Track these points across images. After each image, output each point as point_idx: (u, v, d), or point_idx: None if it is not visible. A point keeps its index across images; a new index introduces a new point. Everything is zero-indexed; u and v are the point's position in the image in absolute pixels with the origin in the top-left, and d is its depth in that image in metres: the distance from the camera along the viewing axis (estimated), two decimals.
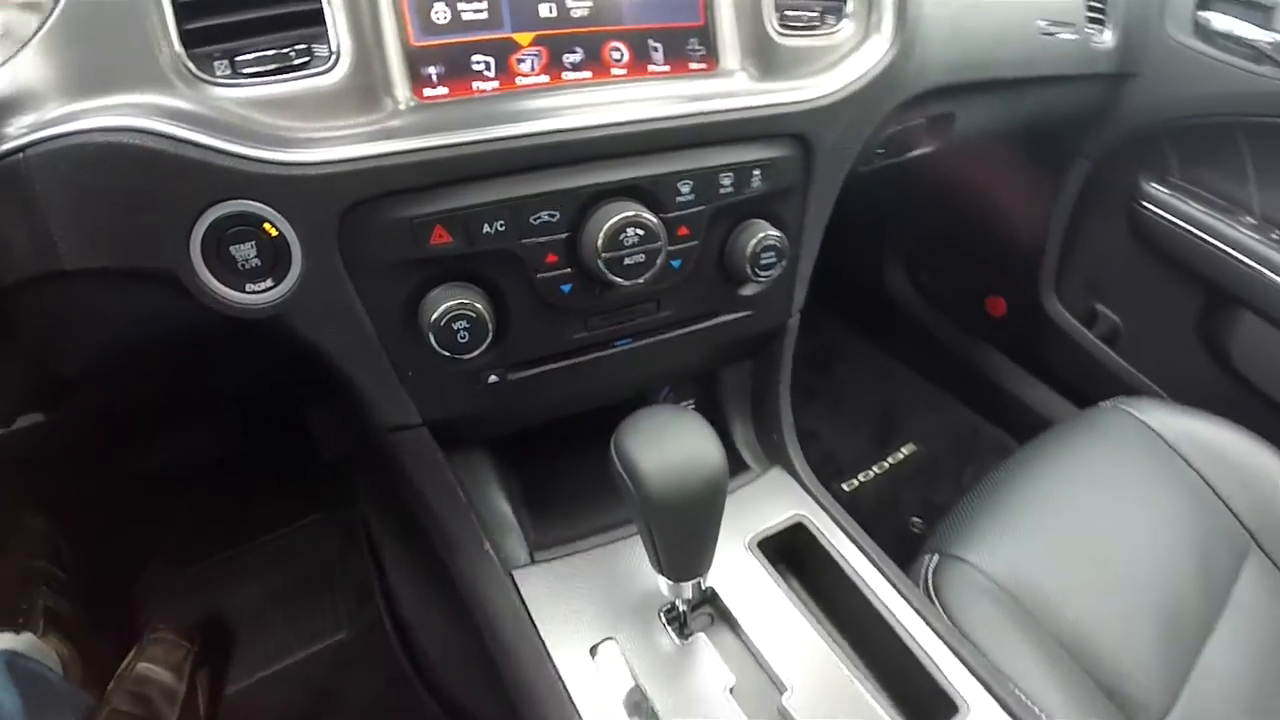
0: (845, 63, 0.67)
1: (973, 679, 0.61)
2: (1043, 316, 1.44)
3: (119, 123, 0.45)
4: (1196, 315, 1.26)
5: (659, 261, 0.57)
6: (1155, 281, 1.29)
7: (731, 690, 0.57)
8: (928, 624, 0.64)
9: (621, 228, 0.54)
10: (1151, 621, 0.83)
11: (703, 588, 0.56)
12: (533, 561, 0.66)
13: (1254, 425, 1.06)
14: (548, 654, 0.59)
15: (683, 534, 0.51)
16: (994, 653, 0.70)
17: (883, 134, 0.80)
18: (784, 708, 0.57)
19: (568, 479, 0.76)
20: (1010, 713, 0.60)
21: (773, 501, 0.71)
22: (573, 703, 0.56)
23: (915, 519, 1.35)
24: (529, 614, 0.62)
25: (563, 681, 0.57)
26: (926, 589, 0.77)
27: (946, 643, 0.63)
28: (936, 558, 0.81)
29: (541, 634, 0.60)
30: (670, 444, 0.48)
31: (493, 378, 0.60)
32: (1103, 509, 0.93)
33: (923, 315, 1.62)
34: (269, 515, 1.25)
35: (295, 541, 1.24)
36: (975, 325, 1.57)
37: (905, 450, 1.46)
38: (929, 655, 0.61)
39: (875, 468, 1.42)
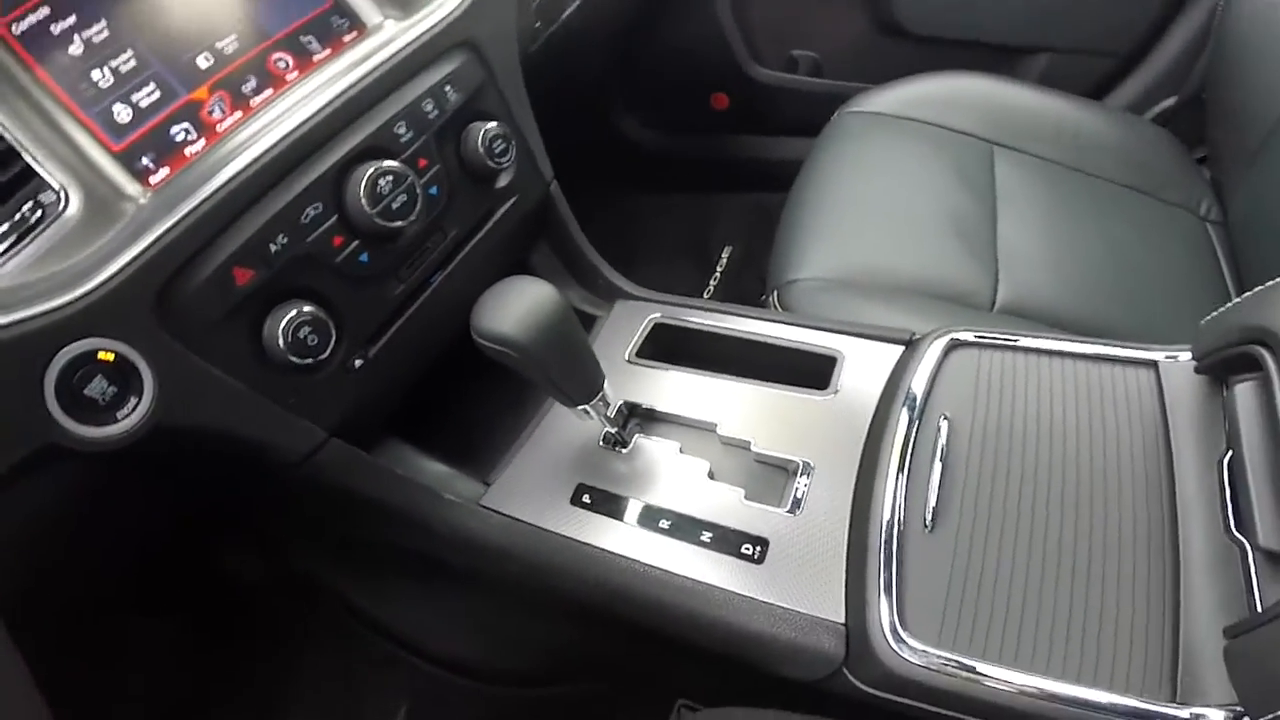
0: None
1: (843, 336, 0.76)
2: (755, 86, 1.60)
3: None
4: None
5: (419, 194, 0.66)
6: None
7: (710, 474, 0.68)
8: (792, 325, 0.78)
9: (374, 180, 0.62)
10: (953, 239, 1.01)
11: (609, 399, 0.66)
12: (488, 485, 0.75)
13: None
14: (560, 535, 0.67)
15: (565, 358, 0.60)
16: (851, 316, 0.85)
17: (530, 6, 0.91)
18: (757, 453, 0.69)
19: (475, 410, 0.85)
20: (884, 339, 0.74)
21: (628, 323, 0.82)
22: (615, 553, 0.65)
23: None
24: (517, 519, 0.69)
25: (589, 544, 0.65)
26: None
27: (810, 327, 0.77)
28: (775, 291, 0.96)
29: (540, 524, 0.68)
30: (511, 300, 0.58)
31: (357, 361, 0.68)
32: (874, 187, 1.09)
33: (665, 143, 1.75)
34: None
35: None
36: (710, 127, 1.71)
37: (725, 253, 1.62)
38: (803, 340, 0.76)
39: (713, 280, 1.58)
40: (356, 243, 0.65)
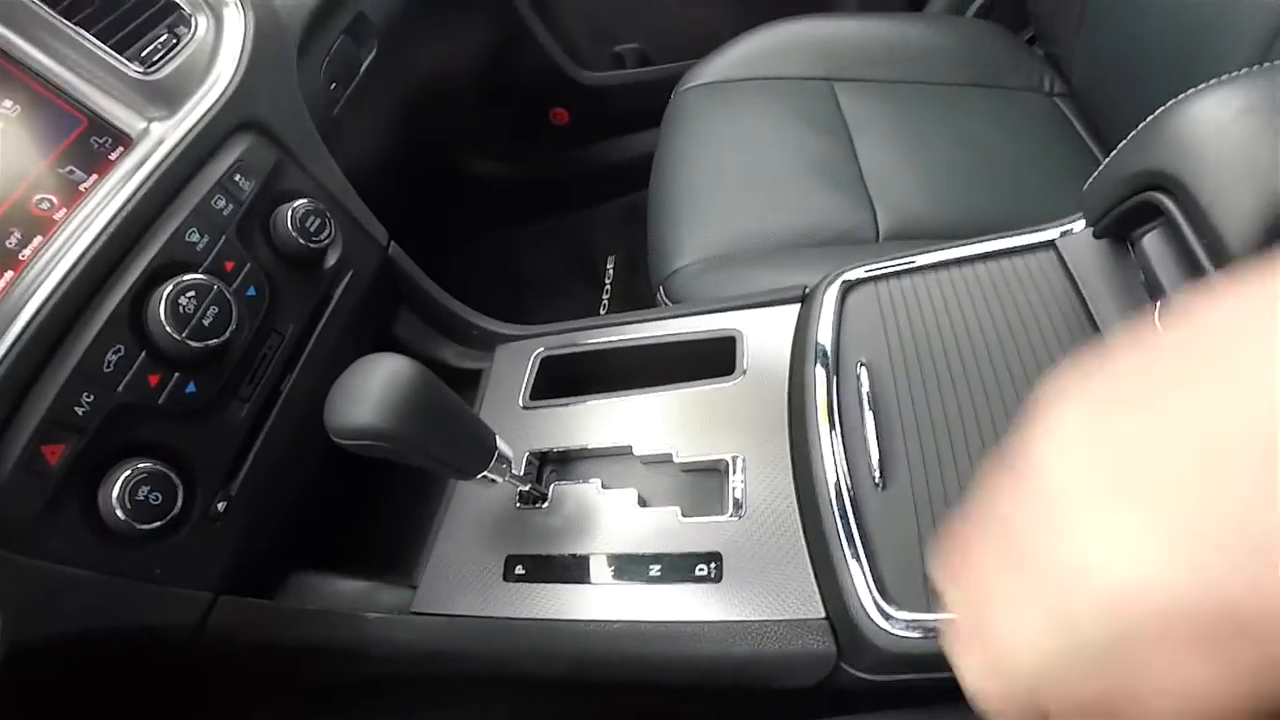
0: (224, 51, 0.69)
1: (736, 312, 0.71)
2: (589, 92, 1.56)
3: None
4: None
5: (231, 302, 0.58)
6: None
7: (640, 501, 0.62)
8: (681, 316, 0.73)
9: (174, 301, 0.55)
10: (820, 183, 0.98)
11: (507, 456, 0.59)
12: (415, 588, 0.67)
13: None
14: (503, 618, 0.60)
15: (441, 431, 0.53)
16: (743, 289, 0.80)
17: (321, 62, 0.84)
18: (681, 462, 0.63)
19: (386, 510, 0.78)
20: (777, 303, 0.69)
21: (515, 366, 0.75)
22: (566, 619, 0.58)
23: None
24: (453, 615, 0.62)
25: (537, 619, 0.59)
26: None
27: (699, 312, 0.72)
28: (660, 287, 0.91)
29: (479, 613, 0.61)
30: (361, 386, 0.50)
31: (220, 505, 0.60)
32: (728, 155, 1.05)
33: (521, 173, 1.69)
34: None
35: None
36: (558, 144, 1.67)
37: (611, 264, 1.57)
38: (698, 329, 0.71)
39: (605, 295, 1.52)
40: (177, 375, 0.57)
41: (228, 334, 0.58)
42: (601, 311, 1.50)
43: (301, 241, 0.66)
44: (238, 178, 0.64)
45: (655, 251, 0.97)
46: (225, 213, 0.62)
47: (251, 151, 0.66)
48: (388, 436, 0.50)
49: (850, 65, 1.17)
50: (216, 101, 0.65)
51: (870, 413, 0.57)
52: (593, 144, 1.66)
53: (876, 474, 0.54)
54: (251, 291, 0.62)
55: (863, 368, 0.59)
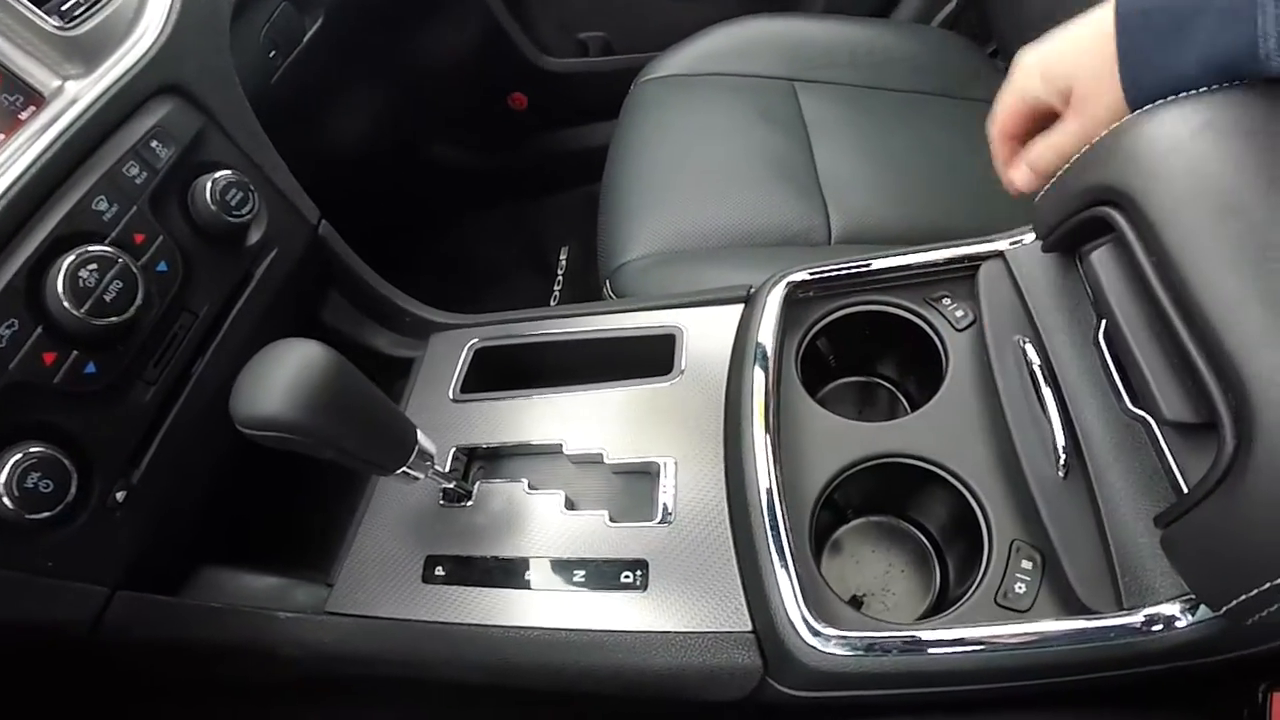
0: (150, 8, 0.65)
1: (678, 310, 0.69)
2: (550, 78, 1.52)
3: None
4: None
5: (137, 277, 0.54)
6: None
7: (568, 503, 0.60)
8: (622, 311, 0.70)
9: (73, 274, 0.51)
10: (775, 182, 0.96)
11: (429, 451, 0.56)
12: (331, 586, 0.63)
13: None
14: (420, 622, 0.57)
15: (357, 424, 0.50)
16: (688, 286, 0.78)
17: (261, 28, 0.80)
18: (612, 463, 0.61)
19: (304, 502, 0.74)
20: (720, 302, 0.67)
21: (448, 356, 0.72)
22: (485, 624, 0.55)
23: None
24: (368, 617, 0.59)
25: (455, 623, 0.56)
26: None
27: (640, 309, 0.70)
28: (607, 281, 0.89)
29: (396, 615, 0.58)
30: (269, 374, 0.47)
31: (119, 495, 0.56)
32: (685, 150, 1.03)
33: (477, 159, 1.65)
34: None
35: None
36: (516, 130, 1.63)
37: (564, 255, 1.53)
38: (638, 325, 0.68)
39: (557, 285, 1.49)
40: (75, 354, 0.52)
41: (132, 311, 0.54)
42: (552, 303, 1.47)
43: (221, 215, 0.62)
44: (155, 144, 0.60)
45: (604, 244, 0.94)
46: (139, 181, 0.58)
47: (172, 117, 0.62)
48: (297, 429, 0.46)
49: (813, 66, 1.15)
50: (138, 61, 0.61)
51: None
52: (551, 131, 1.63)
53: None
54: (163, 266, 0.58)
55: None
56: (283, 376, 0.47)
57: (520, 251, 1.60)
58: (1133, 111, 0.45)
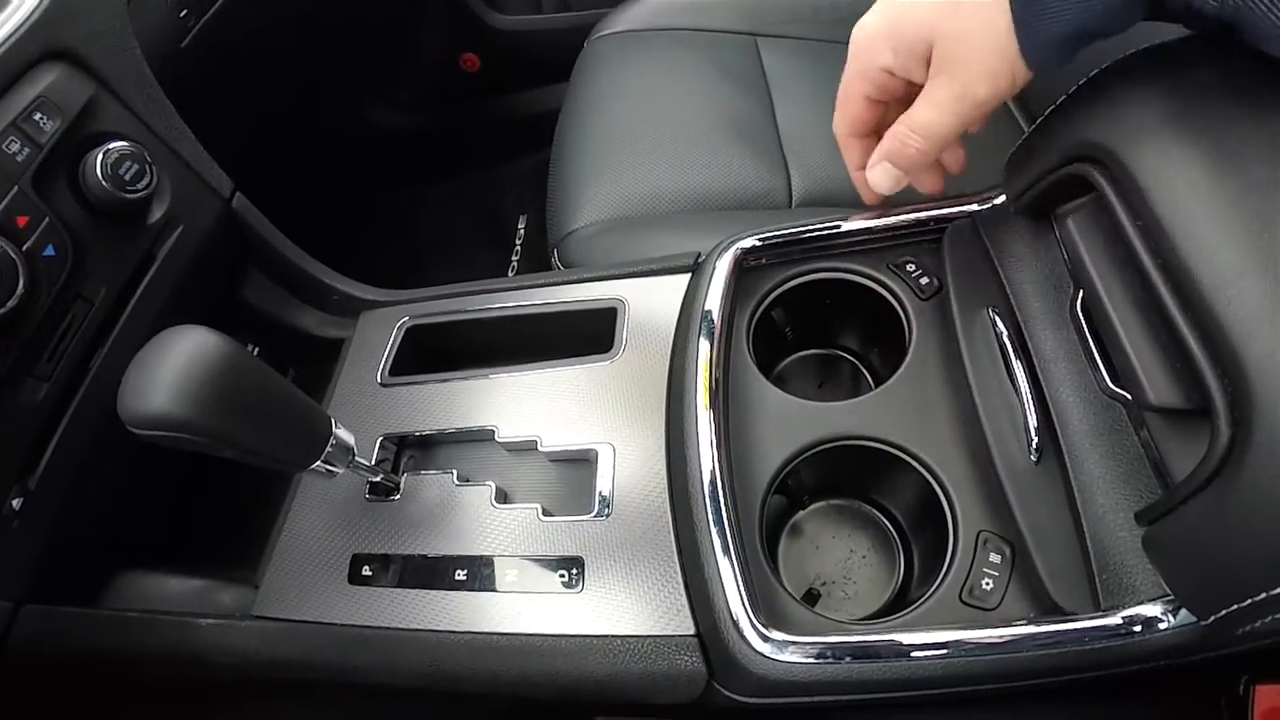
0: None
1: (622, 280, 0.64)
2: (502, 36, 1.46)
3: None
4: None
5: (18, 262, 0.49)
6: None
7: (499, 495, 0.56)
8: (564, 284, 0.65)
9: None
10: (735, 142, 0.91)
11: (347, 443, 0.51)
12: (258, 587, 0.59)
13: None
14: (347, 625, 0.53)
15: (259, 419, 0.45)
16: (639, 254, 0.72)
17: None
18: (547, 451, 0.57)
19: (231, 499, 0.69)
20: (666, 271, 0.63)
21: (378, 336, 0.67)
22: (413, 629, 0.52)
23: None
24: (293, 620, 0.55)
25: (383, 627, 0.52)
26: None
27: (581, 280, 0.65)
28: (555, 250, 0.84)
29: (322, 619, 0.54)
30: (156, 367, 0.41)
31: (16, 502, 0.51)
32: (640, 109, 0.97)
33: (425, 123, 1.57)
34: None
35: None
36: (468, 93, 1.55)
37: (522, 224, 1.47)
38: (579, 298, 0.63)
39: (515, 256, 1.43)
40: None
41: (15, 301, 0.49)
42: (509, 273, 1.41)
43: (115, 191, 0.56)
44: (38, 116, 0.54)
45: (553, 211, 0.88)
46: (19, 159, 0.52)
47: (59, 85, 0.56)
48: (188, 427, 0.41)
49: (775, 20, 1.09)
50: (20, 26, 0.55)
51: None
52: (506, 94, 1.55)
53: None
54: (50, 251, 0.52)
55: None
56: (170, 369, 0.41)
57: (476, 222, 1.54)
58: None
